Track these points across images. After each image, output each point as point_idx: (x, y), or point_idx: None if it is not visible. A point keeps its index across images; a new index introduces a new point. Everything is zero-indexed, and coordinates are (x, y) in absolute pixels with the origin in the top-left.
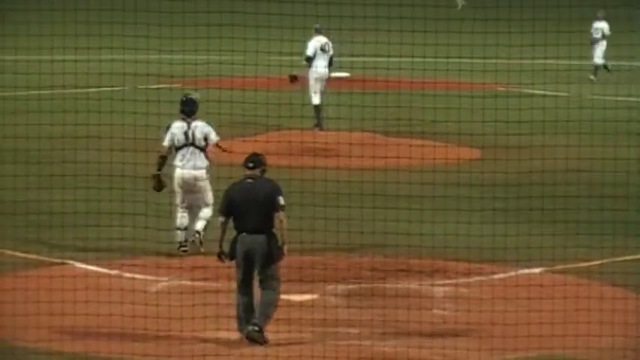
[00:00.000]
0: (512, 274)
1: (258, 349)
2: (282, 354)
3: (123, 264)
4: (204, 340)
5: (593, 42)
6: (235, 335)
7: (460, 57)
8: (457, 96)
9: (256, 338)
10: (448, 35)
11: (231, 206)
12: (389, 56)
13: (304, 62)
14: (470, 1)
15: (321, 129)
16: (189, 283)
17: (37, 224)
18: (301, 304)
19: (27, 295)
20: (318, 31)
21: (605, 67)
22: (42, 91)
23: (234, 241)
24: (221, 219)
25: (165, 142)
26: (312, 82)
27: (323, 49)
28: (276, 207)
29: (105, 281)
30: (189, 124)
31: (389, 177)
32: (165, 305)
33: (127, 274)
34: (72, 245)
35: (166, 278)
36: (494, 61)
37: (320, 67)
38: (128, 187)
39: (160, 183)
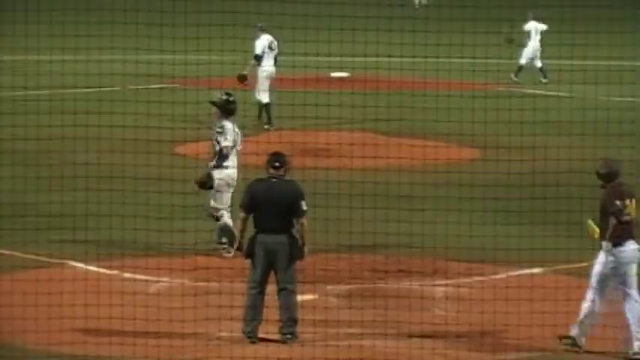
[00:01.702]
0: (514, 274)
1: (261, 350)
2: (284, 354)
3: (124, 265)
4: (206, 341)
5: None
6: (237, 335)
7: (462, 57)
8: (459, 96)
9: (294, 342)
10: (450, 35)
11: (253, 203)
12: (390, 56)
13: (253, 61)
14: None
15: (271, 125)
16: (190, 283)
17: (36, 226)
18: (302, 305)
19: (26, 296)
20: (263, 30)
21: (520, 68)
22: (41, 92)
23: (252, 241)
24: (242, 215)
25: (231, 143)
26: (261, 80)
27: (270, 48)
28: (298, 212)
29: (105, 282)
30: (236, 125)
31: (390, 177)
32: (167, 306)
33: (128, 275)
34: (71, 247)
35: (168, 279)
36: (496, 60)
37: (268, 65)
38: (128, 188)
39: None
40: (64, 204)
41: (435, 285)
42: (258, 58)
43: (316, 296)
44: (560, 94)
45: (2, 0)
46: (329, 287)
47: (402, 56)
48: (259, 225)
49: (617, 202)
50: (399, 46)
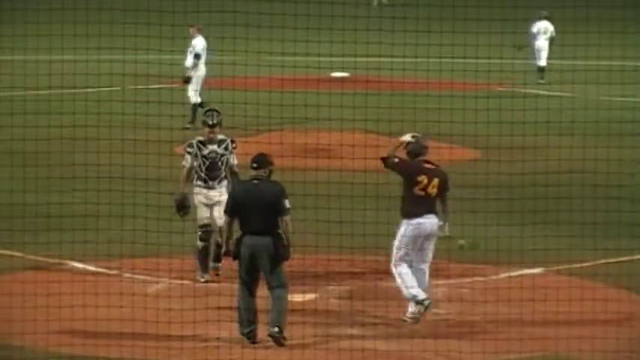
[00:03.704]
0: (516, 273)
1: (260, 352)
2: (284, 356)
3: (122, 266)
4: (206, 342)
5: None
6: (236, 337)
7: (464, 57)
8: (461, 97)
9: (278, 338)
10: (453, 35)
11: (236, 206)
12: (392, 56)
13: (194, 61)
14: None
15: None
16: (190, 284)
17: (35, 227)
18: (303, 305)
19: (25, 297)
20: (201, 30)
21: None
22: (40, 92)
23: (238, 242)
24: (226, 218)
25: None
26: (198, 80)
27: (207, 49)
28: (281, 211)
29: (104, 283)
30: None
31: (392, 178)
32: (166, 307)
33: (127, 276)
34: (70, 247)
35: (167, 280)
36: (498, 61)
37: (204, 65)
38: (128, 189)
39: None
40: (63, 205)
41: (437, 285)
42: (199, 57)
43: (318, 297)
44: (562, 94)
45: (2, 0)
46: (330, 288)
47: (404, 56)
48: (244, 227)
49: (396, 160)
50: (402, 46)
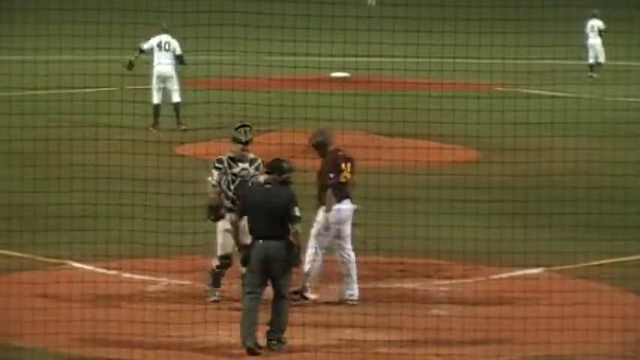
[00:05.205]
0: (518, 274)
1: (259, 355)
2: (284, 357)
3: (121, 266)
4: (204, 344)
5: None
6: (236, 339)
7: (467, 57)
8: (464, 97)
9: (280, 349)
10: (455, 35)
11: (246, 208)
12: (393, 56)
13: (136, 53)
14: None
15: (180, 124)
16: (189, 285)
17: (34, 227)
18: (304, 306)
19: (23, 298)
20: (166, 30)
21: (598, 64)
22: (38, 92)
23: (249, 247)
24: (234, 217)
25: None
26: (153, 79)
27: (159, 46)
28: (291, 218)
29: (103, 284)
30: None
31: (393, 179)
32: (165, 308)
33: (126, 276)
34: (69, 248)
35: (166, 280)
36: (501, 61)
37: (160, 64)
38: (126, 189)
39: None
40: (61, 205)
41: (439, 288)
42: (142, 51)
43: (317, 298)
44: (566, 94)
45: (1, 0)
46: (330, 289)
47: (405, 56)
48: (255, 231)
49: (332, 175)
50: (404, 46)
